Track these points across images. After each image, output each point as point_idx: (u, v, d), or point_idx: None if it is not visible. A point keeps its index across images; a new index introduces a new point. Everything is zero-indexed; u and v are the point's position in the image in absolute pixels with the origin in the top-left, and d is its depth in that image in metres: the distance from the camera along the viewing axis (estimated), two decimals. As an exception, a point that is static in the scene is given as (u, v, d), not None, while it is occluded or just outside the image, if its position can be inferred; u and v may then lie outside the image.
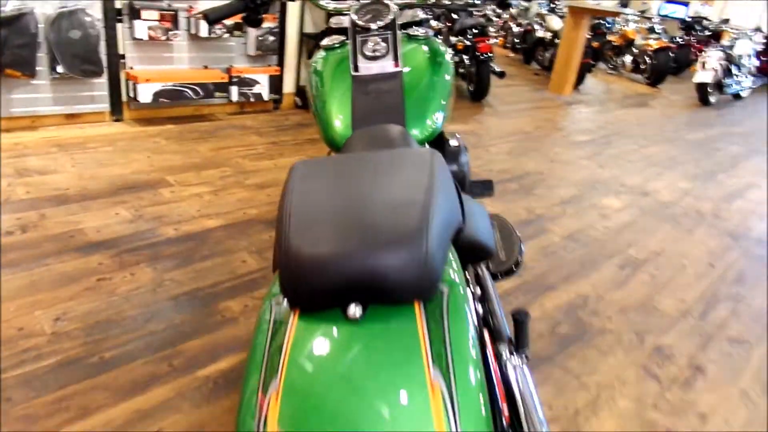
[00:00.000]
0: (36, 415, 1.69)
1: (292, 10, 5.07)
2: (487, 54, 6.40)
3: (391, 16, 1.57)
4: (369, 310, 0.75)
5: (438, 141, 1.66)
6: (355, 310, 0.74)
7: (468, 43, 6.57)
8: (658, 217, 3.86)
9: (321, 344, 0.73)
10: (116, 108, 4.26)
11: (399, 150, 1.08)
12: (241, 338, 2.13)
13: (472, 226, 1.14)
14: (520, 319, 1.24)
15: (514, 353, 1.22)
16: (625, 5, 10.50)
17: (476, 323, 0.89)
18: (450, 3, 2.06)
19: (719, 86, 8.84)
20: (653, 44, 9.63)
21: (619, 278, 2.95)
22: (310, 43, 5.20)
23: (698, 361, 2.35)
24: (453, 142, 1.72)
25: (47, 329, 2.04)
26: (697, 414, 2.04)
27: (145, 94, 4.22)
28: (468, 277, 1.25)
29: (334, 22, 1.69)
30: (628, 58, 10.28)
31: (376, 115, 1.51)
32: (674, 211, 4.03)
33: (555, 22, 9.31)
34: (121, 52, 4.14)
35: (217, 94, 4.67)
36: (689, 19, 11.86)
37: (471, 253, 1.13)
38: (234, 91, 4.81)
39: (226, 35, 4.66)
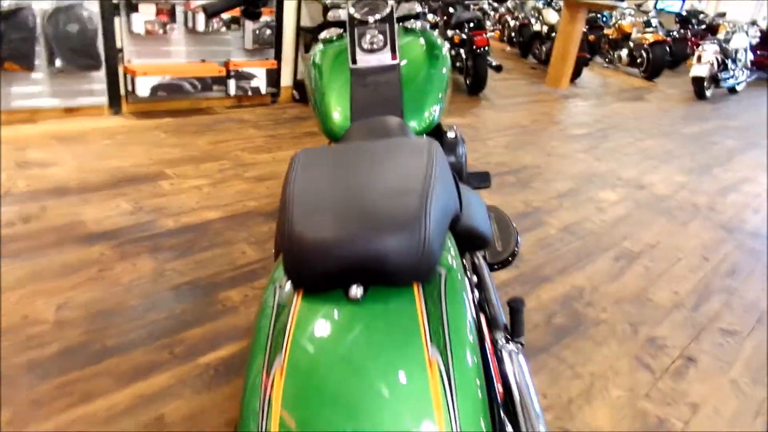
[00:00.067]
0: (40, 399, 1.73)
1: (289, 4, 5.08)
2: (483, 48, 6.42)
3: (388, 9, 1.59)
4: (369, 292, 0.78)
5: (435, 133, 1.69)
6: (356, 291, 0.77)
7: (464, 36, 6.59)
8: (654, 210, 3.90)
9: (324, 323, 0.76)
10: (114, 101, 4.27)
11: (398, 139, 1.11)
12: (241, 327, 2.16)
13: (470, 214, 1.17)
14: (515, 307, 1.27)
15: (510, 340, 1.26)
16: (621, -1, 10.52)
17: (473, 308, 0.92)
18: (446, -4, 2.09)
19: (715, 80, 8.87)
20: (649, 38, 9.66)
21: (614, 270, 2.98)
22: (307, 36, 5.21)
23: (690, 352, 2.39)
24: (450, 134, 1.75)
25: (50, 317, 2.07)
26: (688, 404, 2.08)
27: (143, 87, 4.23)
28: (465, 264, 1.28)
29: (332, 15, 1.71)
30: (624, 52, 10.30)
31: (375, 107, 1.54)
32: (669, 204, 4.07)
33: (551, 16, 9.33)
34: (119, 46, 4.16)
35: (215, 87, 4.70)
36: (685, 13, 11.89)
37: (468, 241, 1.15)
38: (231, 84, 4.83)
39: (224, 29, 4.67)
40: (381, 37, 1.59)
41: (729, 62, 9.04)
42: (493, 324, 1.32)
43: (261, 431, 0.68)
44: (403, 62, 1.61)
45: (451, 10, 7.15)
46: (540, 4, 10.17)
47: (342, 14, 1.67)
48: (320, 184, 0.90)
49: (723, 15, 11.43)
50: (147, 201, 3.03)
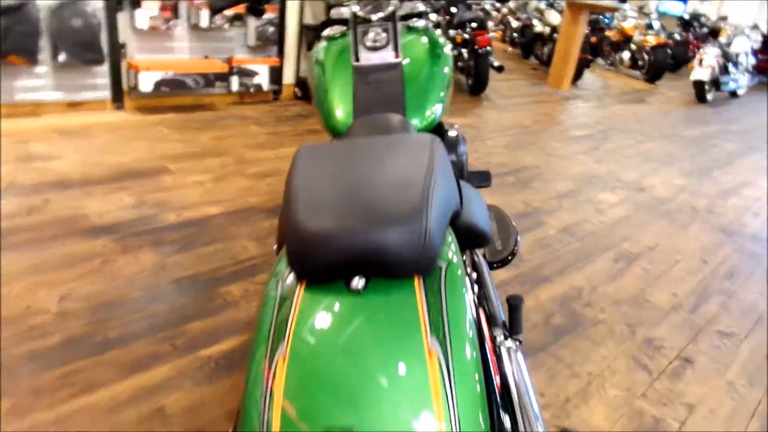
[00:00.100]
0: (43, 389, 1.74)
1: (292, 2, 5.09)
2: (485, 48, 6.43)
3: (391, 8, 1.61)
4: (371, 284, 0.80)
5: (437, 131, 1.70)
6: (358, 282, 0.78)
7: (467, 36, 6.60)
8: (653, 213, 3.91)
9: (326, 314, 0.77)
10: (117, 96, 4.29)
11: (400, 135, 1.12)
12: (242, 321, 2.18)
13: (470, 211, 1.18)
14: (514, 305, 1.28)
15: (509, 337, 1.27)
16: (623, 1, 10.53)
17: (473, 304, 0.94)
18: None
19: (716, 83, 8.88)
20: (651, 41, 9.66)
21: (613, 271, 3.00)
22: (309, 34, 5.22)
23: (688, 354, 2.40)
24: (451, 133, 1.76)
25: (53, 308, 2.09)
26: (684, 404, 2.10)
27: (146, 82, 4.25)
28: (465, 261, 1.29)
29: (336, 13, 1.73)
30: (626, 54, 10.31)
31: (377, 105, 1.55)
32: (669, 206, 4.08)
33: (553, 17, 9.34)
34: (122, 41, 4.17)
35: (218, 84, 4.71)
36: (687, 16, 11.90)
37: (468, 238, 1.17)
38: (234, 81, 4.84)
39: (227, 26, 4.69)
40: (384, 35, 1.61)
41: (730, 66, 9.05)
42: (491, 321, 1.33)
43: (263, 421, 0.69)
44: (406, 60, 1.63)
45: (453, 9, 7.16)
46: (542, 5, 10.18)
47: (345, 12, 1.68)
48: (323, 178, 0.92)
49: (725, 19, 11.42)
50: (149, 195, 3.04)
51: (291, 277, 0.85)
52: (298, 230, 0.81)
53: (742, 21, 11.07)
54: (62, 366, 1.85)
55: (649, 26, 10.26)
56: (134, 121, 4.16)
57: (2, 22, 3.48)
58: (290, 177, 0.93)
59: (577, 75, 8.35)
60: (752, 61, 9.86)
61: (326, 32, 1.75)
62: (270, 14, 4.88)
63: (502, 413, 0.97)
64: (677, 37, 11.26)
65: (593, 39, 9.93)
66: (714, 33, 10.46)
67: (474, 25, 6.64)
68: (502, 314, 1.38)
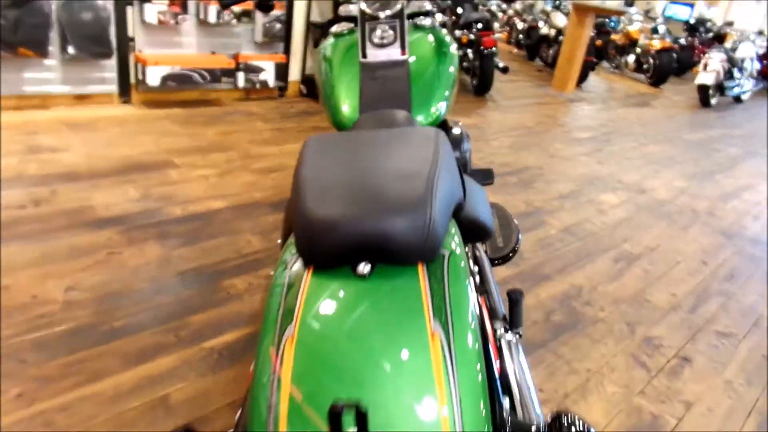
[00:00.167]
0: (49, 376, 1.77)
1: (300, -1, 5.13)
2: (491, 49, 6.45)
3: (399, 6, 1.63)
4: (376, 270, 0.82)
5: (441, 128, 1.73)
6: (363, 267, 0.81)
7: (472, 37, 6.62)
8: (654, 214, 3.94)
9: (332, 298, 0.80)
10: (125, 90, 4.32)
11: (405, 128, 1.15)
12: (246, 314, 2.20)
13: (473, 205, 1.21)
14: (515, 299, 1.31)
15: (509, 330, 1.30)
16: (629, 4, 10.54)
17: (474, 293, 0.96)
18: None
19: (720, 88, 8.89)
20: (656, 44, 9.67)
21: (613, 271, 3.02)
22: (316, 31, 5.25)
23: (686, 352, 2.42)
24: (456, 130, 1.79)
25: (59, 298, 2.12)
26: (682, 401, 2.12)
27: (154, 77, 4.28)
28: (467, 253, 1.32)
29: (344, 10, 1.75)
30: (631, 58, 10.32)
31: (383, 101, 1.58)
32: (670, 208, 4.10)
33: (559, 20, 9.35)
34: (130, 35, 4.20)
35: (224, 79, 4.74)
36: (693, 21, 11.90)
37: (470, 231, 1.19)
38: (240, 77, 4.87)
39: (234, 21, 4.72)
40: (391, 32, 1.63)
41: (735, 71, 9.06)
42: (492, 314, 1.36)
43: (271, 404, 0.72)
44: (412, 58, 1.65)
45: (459, 10, 7.18)
46: (549, 8, 10.20)
47: (353, 9, 1.71)
48: (331, 167, 0.95)
49: (731, 24, 11.44)
50: (155, 189, 3.07)
51: (298, 265, 0.88)
52: (306, 217, 0.83)
53: (748, 27, 11.08)
54: (68, 355, 1.87)
55: (655, 30, 10.27)
56: (141, 115, 4.19)
57: (14, 15, 3.51)
58: (299, 167, 0.96)
59: (582, 77, 8.37)
60: (757, 66, 9.87)
61: (334, 29, 1.78)
62: (277, 11, 4.91)
63: (502, 397, 1.00)
64: (683, 41, 11.26)
65: (599, 42, 9.93)
66: (719, 38, 10.48)
67: (480, 25, 6.66)
68: (503, 308, 1.41)
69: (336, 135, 1.10)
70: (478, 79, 6.69)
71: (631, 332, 2.50)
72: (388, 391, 0.70)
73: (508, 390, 1.09)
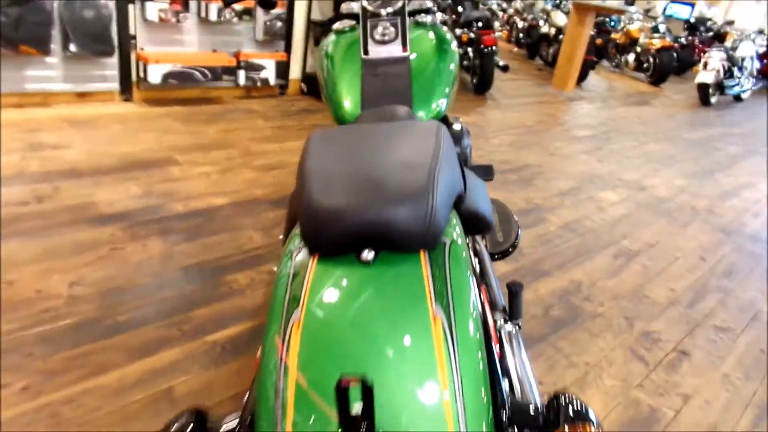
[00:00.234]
0: (55, 369, 1.79)
1: (301, -2, 5.15)
2: (491, 47, 6.46)
3: (400, 3, 1.66)
4: (379, 257, 0.85)
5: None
6: (367, 254, 0.83)
7: (473, 35, 6.64)
8: (654, 212, 3.96)
9: (337, 284, 0.82)
10: (126, 88, 4.33)
11: (407, 121, 1.17)
12: (248, 308, 2.22)
13: (473, 197, 1.23)
14: (514, 290, 1.33)
15: (509, 321, 1.32)
16: (630, 3, 10.55)
17: (475, 282, 0.98)
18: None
19: (720, 87, 8.90)
20: (657, 43, 9.69)
21: (613, 267, 3.04)
22: (317, 30, 5.26)
23: (684, 347, 2.45)
24: (456, 126, 1.81)
25: (63, 292, 2.14)
26: (680, 394, 2.14)
27: (155, 74, 4.30)
28: (468, 244, 1.34)
29: (345, 7, 1.77)
30: (631, 57, 10.34)
31: (384, 97, 1.60)
32: (669, 206, 4.12)
33: (560, 18, 9.37)
34: (132, 33, 4.22)
35: (225, 77, 4.76)
36: (693, 20, 11.91)
37: (471, 222, 1.21)
38: (241, 75, 4.89)
39: (235, 19, 4.73)
40: (392, 29, 1.65)
41: (735, 70, 9.07)
42: (492, 306, 1.38)
43: (278, 388, 0.74)
44: (413, 55, 1.67)
45: (460, 9, 7.20)
46: (549, 6, 10.22)
47: (355, 6, 1.73)
48: (335, 158, 0.97)
49: (732, 23, 11.46)
50: (157, 186, 3.09)
51: (303, 254, 0.90)
52: (312, 207, 0.85)
53: (748, 26, 11.09)
54: (73, 348, 1.89)
55: (655, 29, 10.29)
56: (142, 113, 4.21)
57: (15, 12, 3.53)
58: (303, 159, 0.98)
59: (582, 76, 8.38)
60: (757, 65, 9.89)
61: (336, 26, 1.80)
62: (278, 9, 4.92)
63: (501, 380, 1.02)
64: (683, 40, 11.28)
65: (599, 41, 9.95)
66: (720, 37, 10.49)
67: (480, 24, 6.68)
68: (503, 300, 1.43)
69: (339, 128, 1.12)
70: (479, 77, 6.70)
71: (629, 327, 2.52)
72: (392, 374, 0.72)
73: (507, 375, 1.11)
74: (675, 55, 10.10)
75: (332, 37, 1.77)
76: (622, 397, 2.07)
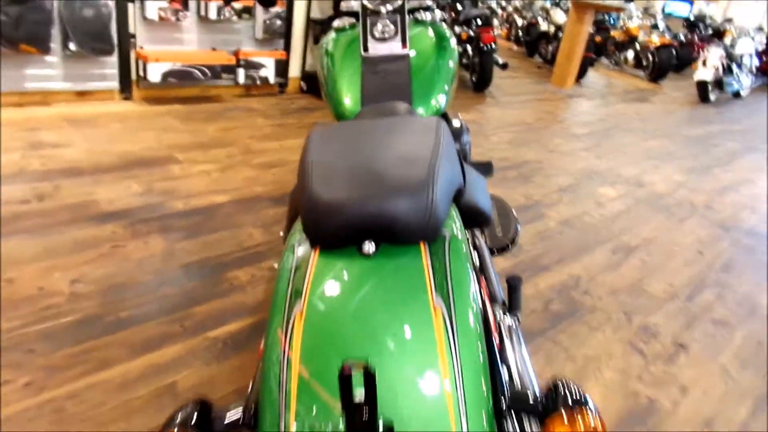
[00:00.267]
0: (57, 365, 1.81)
1: (300, -4, 5.16)
2: (490, 45, 6.47)
3: (400, 1, 1.67)
4: (380, 249, 0.86)
5: (442, 119, 1.76)
6: (369, 246, 0.85)
7: (472, 33, 6.65)
8: (652, 207, 3.97)
9: (339, 276, 0.84)
10: (125, 86, 4.34)
11: (407, 117, 1.18)
12: (249, 305, 2.24)
13: (472, 192, 1.24)
14: (513, 284, 1.34)
15: (508, 314, 1.33)
16: (629, 1, 10.56)
17: (474, 275, 1.00)
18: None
19: (719, 84, 8.91)
20: (656, 41, 9.70)
21: (611, 262, 3.06)
22: (316, 28, 5.27)
23: (682, 340, 2.46)
24: (456, 122, 1.82)
25: (65, 290, 2.15)
26: (678, 386, 2.15)
27: (155, 73, 4.31)
28: (468, 239, 1.35)
29: (345, 5, 1.79)
30: (630, 54, 10.35)
31: (384, 94, 1.61)
32: (668, 201, 4.14)
33: (559, 16, 9.38)
34: (132, 31, 4.23)
35: (225, 75, 4.77)
36: (693, 17, 11.93)
37: (470, 216, 1.23)
38: (241, 73, 4.90)
39: (235, 18, 4.75)
40: (392, 26, 1.66)
41: (734, 67, 9.08)
42: (491, 299, 1.39)
43: (282, 380, 0.75)
44: (413, 52, 1.68)
45: (459, 6, 7.20)
46: (548, 4, 10.23)
47: (355, 4, 1.74)
48: (336, 153, 0.98)
49: (730, 20, 11.46)
50: (157, 184, 3.10)
51: (305, 247, 0.91)
52: (313, 200, 0.87)
53: (748, 23, 11.10)
54: (75, 345, 1.91)
55: (654, 27, 10.30)
56: (142, 112, 4.22)
57: (15, 11, 3.54)
58: (304, 154, 1.00)
59: (581, 74, 8.39)
60: (756, 62, 9.90)
61: (336, 23, 1.81)
62: (278, 8, 4.93)
63: (501, 369, 1.03)
64: (682, 37, 11.29)
65: (598, 38, 9.96)
66: (718, 34, 10.49)
67: (479, 22, 6.68)
68: (502, 294, 1.44)
69: (340, 124, 1.13)
70: (478, 75, 6.71)
71: (628, 320, 2.53)
72: (393, 363, 0.74)
73: (506, 365, 1.12)
74: (674, 52, 10.10)
75: (332, 34, 1.79)
76: (621, 389, 2.08)
